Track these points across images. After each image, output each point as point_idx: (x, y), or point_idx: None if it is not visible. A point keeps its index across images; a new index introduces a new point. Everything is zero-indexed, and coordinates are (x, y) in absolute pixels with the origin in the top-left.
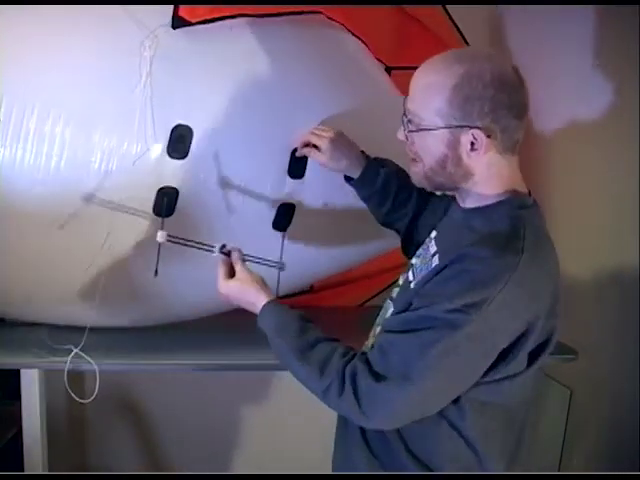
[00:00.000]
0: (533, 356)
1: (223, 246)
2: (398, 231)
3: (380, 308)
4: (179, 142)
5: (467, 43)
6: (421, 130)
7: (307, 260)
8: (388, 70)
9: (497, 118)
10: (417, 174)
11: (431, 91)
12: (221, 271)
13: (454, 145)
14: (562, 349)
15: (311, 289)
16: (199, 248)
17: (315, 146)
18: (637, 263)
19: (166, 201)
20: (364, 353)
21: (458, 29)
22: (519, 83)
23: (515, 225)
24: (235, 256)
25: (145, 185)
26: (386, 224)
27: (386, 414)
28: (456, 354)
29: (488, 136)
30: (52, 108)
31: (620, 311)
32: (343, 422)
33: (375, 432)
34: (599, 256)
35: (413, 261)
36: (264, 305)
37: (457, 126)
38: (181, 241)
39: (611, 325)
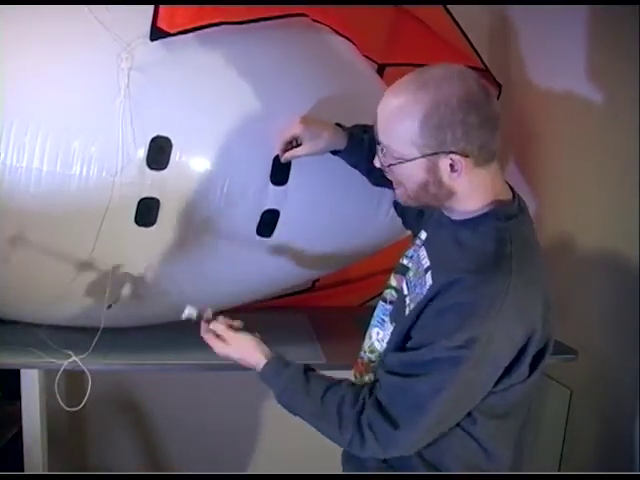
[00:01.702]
0: (534, 363)
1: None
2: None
3: (374, 308)
4: (158, 153)
5: (469, 40)
6: (398, 163)
7: (296, 263)
8: (381, 68)
9: (471, 139)
10: (402, 196)
11: (400, 122)
12: (213, 340)
13: (433, 170)
14: (562, 349)
15: (312, 287)
16: None
17: (293, 146)
18: (637, 263)
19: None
20: (372, 391)
21: (459, 25)
22: (486, 98)
23: (502, 240)
24: (219, 327)
25: (126, 196)
26: (379, 185)
27: (407, 449)
28: (464, 386)
29: (466, 156)
30: (31, 122)
31: (620, 311)
32: None
33: None
34: (599, 256)
35: (405, 262)
36: (263, 367)
37: (433, 154)
38: None
39: (611, 325)
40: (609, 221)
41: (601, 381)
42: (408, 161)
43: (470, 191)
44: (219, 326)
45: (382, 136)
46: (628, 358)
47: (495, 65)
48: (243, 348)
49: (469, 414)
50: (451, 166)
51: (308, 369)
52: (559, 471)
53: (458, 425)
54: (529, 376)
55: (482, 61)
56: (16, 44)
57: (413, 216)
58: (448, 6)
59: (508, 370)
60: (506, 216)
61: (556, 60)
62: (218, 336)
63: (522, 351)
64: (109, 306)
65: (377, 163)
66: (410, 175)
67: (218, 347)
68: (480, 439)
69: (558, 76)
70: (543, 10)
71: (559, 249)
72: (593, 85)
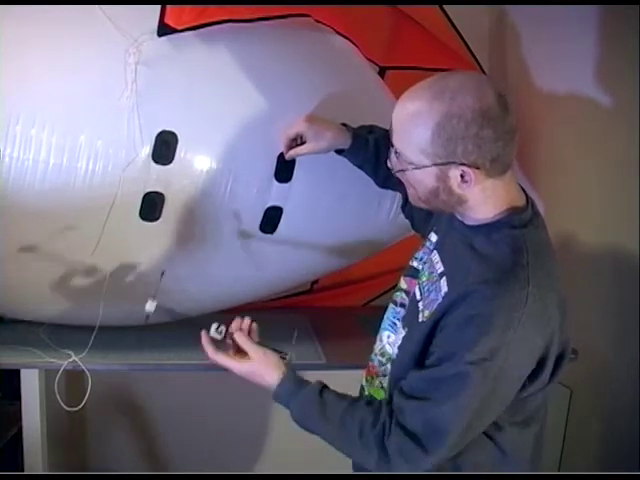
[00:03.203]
0: (553, 369)
1: (218, 326)
2: (400, 192)
3: (384, 309)
4: (164, 148)
5: (466, 43)
6: (409, 169)
7: (299, 260)
8: (382, 70)
9: (483, 153)
10: (412, 197)
11: (412, 129)
12: (226, 359)
13: (443, 179)
14: None
15: (311, 289)
16: None
17: (297, 144)
18: (637, 263)
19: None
20: (392, 414)
21: (457, 30)
22: (504, 112)
23: (518, 249)
24: (242, 339)
25: (131, 190)
26: (385, 187)
27: (435, 465)
28: (487, 397)
29: (477, 168)
30: (37, 115)
31: (620, 311)
32: None
33: None
34: (599, 256)
35: (415, 264)
36: (277, 387)
37: (443, 163)
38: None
39: (611, 325)
40: (610, 221)
41: (601, 381)
42: (418, 168)
43: (483, 199)
44: (242, 337)
45: (395, 140)
46: (628, 358)
47: (494, 66)
48: (263, 363)
49: (494, 422)
50: (461, 176)
51: (323, 389)
52: (559, 471)
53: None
54: (549, 383)
55: (479, 64)
56: (24, 39)
57: (422, 217)
58: (445, 7)
59: (529, 379)
60: (521, 223)
61: (556, 61)
62: (237, 351)
63: (542, 360)
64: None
65: (389, 164)
66: (421, 181)
67: (235, 366)
68: (502, 445)
69: (558, 77)
70: (543, 11)
71: (558, 250)
72: (593, 84)
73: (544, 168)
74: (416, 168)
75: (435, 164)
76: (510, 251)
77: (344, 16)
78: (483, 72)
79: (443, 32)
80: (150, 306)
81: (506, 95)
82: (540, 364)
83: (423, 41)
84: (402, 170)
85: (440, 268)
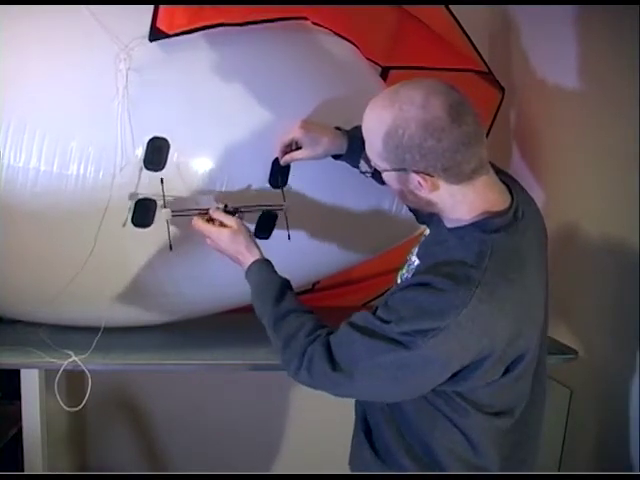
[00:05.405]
0: (511, 369)
1: (225, 206)
2: None
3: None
4: (155, 154)
5: (472, 42)
6: (375, 170)
7: (295, 265)
8: (385, 70)
9: (432, 162)
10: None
11: (371, 137)
12: (206, 225)
13: (404, 183)
14: (562, 349)
15: (313, 288)
16: (204, 212)
17: (293, 149)
18: (637, 263)
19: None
20: (330, 333)
21: (462, 27)
22: (454, 123)
23: (481, 253)
24: (221, 213)
25: (123, 197)
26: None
27: (334, 390)
28: (399, 367)
29: (431, 175)
30: (28, 121)
31: (620, 311)
32: (355, 423)
33: (376, 432)
34: (599, 257)
35: (409, 257)
36: (253, 262)
37: (398, 169)
38: (185, 213)
39: (611, 325)
40: (610, 219)
41: (601, 381)
42: (382, 171)
43: (454, 203)
44: (221, 214)
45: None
46: (628, 358)
47: (497, 65)
48: (240, 233)
49: (450, 402)
50: (419, 182)
51: (290, 287)
52: (559, 471)
53: (445, 417)
54: (502, 377)
55: (485, 62)
56: (15, 44)
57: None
58: (450, 7)
59: (462, 376)
60: (492, 228)
61: (558, 59)
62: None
63: (480, 361)
64: (170, 247)
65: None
66: (389, 183)
67: (213, 231)
68: (466, 432)
69: (560, 73)
70: (544, 10)
71: (560, 243)
72: (593, 81)
73: (546, 162)
74: (381, 170)
75: (393, 169)
76: (474, 254)
77: (344, 17)
78: (489, 70)
79: (448, 31)
80: (166, 214)
81: (463, 104)
82: (476, 364)
83: (427, 40)
84: (375, 170)
85: (415, 261)
